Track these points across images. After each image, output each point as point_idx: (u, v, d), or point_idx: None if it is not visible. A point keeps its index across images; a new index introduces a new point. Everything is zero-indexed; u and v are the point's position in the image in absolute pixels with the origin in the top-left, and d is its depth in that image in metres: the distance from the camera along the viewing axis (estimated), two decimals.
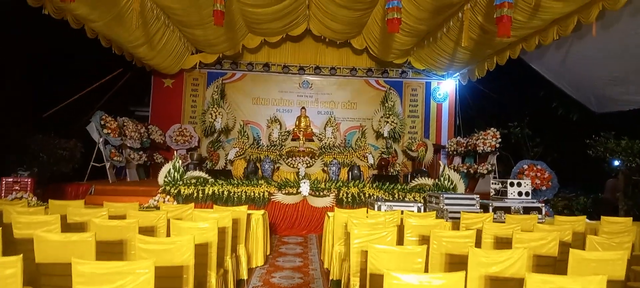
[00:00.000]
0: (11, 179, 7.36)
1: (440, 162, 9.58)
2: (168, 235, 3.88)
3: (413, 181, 9.01)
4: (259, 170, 10.38)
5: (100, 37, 9.58)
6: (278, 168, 10.82)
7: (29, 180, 7.40)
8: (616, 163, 10.58)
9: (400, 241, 4.06)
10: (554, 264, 3.61)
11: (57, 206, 4.87)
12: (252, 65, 13.74)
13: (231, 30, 11.20)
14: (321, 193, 8.64)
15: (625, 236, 4.06)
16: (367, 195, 8.51)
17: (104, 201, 5.21)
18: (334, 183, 8.84)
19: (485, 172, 10.45)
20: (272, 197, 8.57)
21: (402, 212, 5.06)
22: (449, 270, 3.45)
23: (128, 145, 10.75)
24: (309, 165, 10.84)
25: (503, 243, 3.97)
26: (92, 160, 9.84)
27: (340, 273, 4.63)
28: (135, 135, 11.02)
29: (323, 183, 8.88)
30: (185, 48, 12.13)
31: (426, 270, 3.14)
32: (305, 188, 8.50)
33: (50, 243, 2.97)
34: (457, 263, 3.46)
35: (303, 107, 13.09)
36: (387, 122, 13.06)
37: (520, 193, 6.71)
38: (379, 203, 5.99)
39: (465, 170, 11.21)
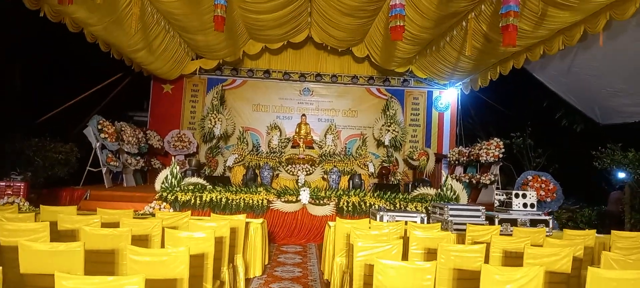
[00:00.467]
0: (3, 183, 7.18)
1: (443, 172, 9.40)
2: (163, 245, 3.71)
3: (415, 190, 8.84)
4: (258, 177, 10.21)
5: (99, 41, 9.47)
6: (277, 175, 10.65)
7: (22, 184, 7.22)
8: (621, 175, 10.44)
9: (405, 254, 3.89)
10: (567, 281, 3.45)
11: (48, 212, 4.70)
12: (253, 72, 13.62)
13: (232, 36, 11.09)
14: (321, 202, 8.47)
15: None
16: (368, 204, 8.34)
17: (99, 206, 5.05)
18: (334, 192, 8.67)
19: (488, 182, 10.29)
20: (271, 205, 8.40)
21: (405, 223, 4.90)
22: (458, 287, 3.28)
23: (125, 150, 10.59)
24: (308, 172, 10.67)
25: (512, 257, 3.80)
26: (89, 165, 9.66)
27: (341, 286, 4.46)
28: (133, 140, 10.86)
29: (323, 191, 8.71)
30: (186, 53, 12.01)
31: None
32: (305, 196, 8.33)
33: (36, 253, 2.80)
34: (466, 279, 3.29)
35: (303, 114, 12.95)
36: (389, 130, 12.93)
37: (525, 205, 6.54)
38: (381, 213, 5.82)
39: (467, 180, 11.05)
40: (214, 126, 12.51)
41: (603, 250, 3.83)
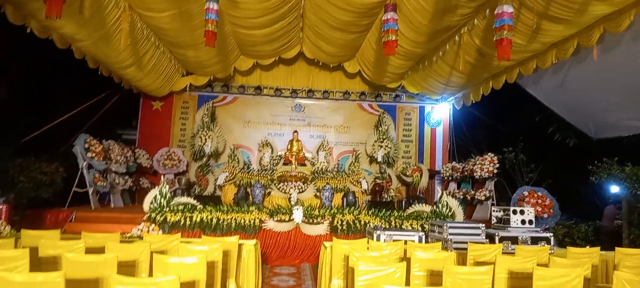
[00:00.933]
0: None
1: (438, 188, 9.26)
2: (151, 271, 3.49)
3: (410, 208, 8.68)
4: (250, 196, 9.98)
5: (87, 58, 9.26)
6: (269, 193, 10.43)
7: (4, 206, 6.93)
8: (614, 190, 10.39)
9: (407, 277, 3.71)
10: None
11: (29, 237, 4.44)
12: (244, 88, 13.47)
13: (223, 52, 10.95)
14: (315, 221, 8.26)
15: None
16: (362, 223, 8.15)
17: (85, 229, 4.83)
18: (328, 210, 8.48)
19: (483, 198, 10.18)
20: (263, 225, 8.17)
21: (405, 242, 4.73)
22: None
23: (113, 169, 10.32)
24: (301, 190, 10.47)
25: (519, 279, 3.65)
26: (75, 185, 9.37)
27: None
28: (121, 159, 10.60)
29: (317, 210, 8.51)
30: (176, 70, 11.83)
31: None
32: (298, 215, 8.12)
33: (13, 285, 2.58)
34: None
35: (295, 131, 12.79)
36: (381, 146, 12.80)
37: (523, 222, 6.41)
38: (378, 232, 5.64)
39: (461, 196, 10.92)
40: (204, 144, 12.30)
41: (611, 269, 3.69)
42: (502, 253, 4.54)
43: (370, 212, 8.37)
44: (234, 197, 9.99)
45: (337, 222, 8.15)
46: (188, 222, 7.91)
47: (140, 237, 5.58)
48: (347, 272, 4.37)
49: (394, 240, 5.43)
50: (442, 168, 12.82)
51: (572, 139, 11.61)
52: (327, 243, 5.33)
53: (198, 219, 7.96)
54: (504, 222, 6.52)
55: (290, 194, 10.13)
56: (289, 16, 9.83)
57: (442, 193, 8.45)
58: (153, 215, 7.86)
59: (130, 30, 8.26)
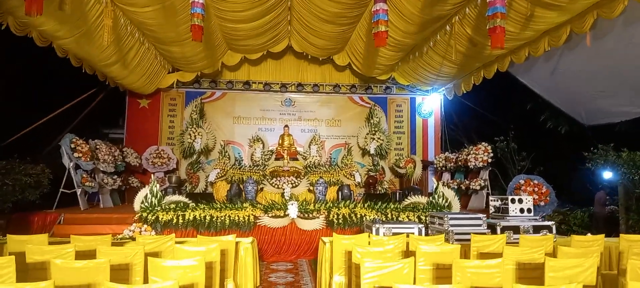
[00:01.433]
0: None
1: (434, 179, 9.17)
2: (145, 275, 3.32)
3: (406, 199, 8.58)
4: (242, 192, 9.80)
5: (70, 56, 8.97)
6: (262, 189, 10.26)
7: None
8: (607, 175, 10.42)
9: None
10: None
11: (15, 242, 4.23)
12: (232, 84, 13.27)
13: (210, 47, 10.73)
14: (310, 215, 8.13)
15: None
16: (358, 216, 8.04)
17: (74, 230, 4.63)
18: (323, 204, 8.34)
19: (478, 188, 10.13)
20: (258, 221, 8.02)
21: (407, 235, 4.61)
22: None
23: (101, 169, 10.05)
24: (294, 185, 10.30)
25: (528, 270, 3.55)
26: (62, 187, 9.11)
27: None
28: (109, 159, 10.33)
29: (312, 204, 8.37)
30: (162, 66, 11.57)
31: None
32: (293, 210, 7.98)
33: None
34: None
35: (286, 125, 12.62)
36: (373, 138, 12.71)
37: (522, 210, 6.33)
38: (377, 225, 5.52)
39: (456, 187, 10.86)
40: (193, 141, 12.09)
41: (615, 256, 3.61)
42: (507, 243, 4.45)
43: (366, 205, 8.26)
44: (227, 194, 9.80)
45: (333, 216, 8.03)
46: (181, 221, 7.72)
47: (133, 238, 5.39)
48: (349, 268, 4.25)
49: (393, 234, 5.32)
50: (435, 158, 12.76)
51: (564, 126, 11.60)
52: (325, 239, 5.20)
53: (191, 217, 7.77)
54: (503, 211, 6.44)
55: (284, 189, 9.97)
56: (277, 9, 9.65)
57: (438, 184, 8.37)
58: (144, 214, 7.65)
59: (113, 27, 8.01)
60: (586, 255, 3.52)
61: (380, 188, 12.03)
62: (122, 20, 8.64)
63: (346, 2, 8.82)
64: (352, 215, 8.06)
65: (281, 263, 7.59)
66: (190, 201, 8.23)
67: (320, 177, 10.52)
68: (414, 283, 3.34)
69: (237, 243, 4.83)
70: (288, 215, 8.00)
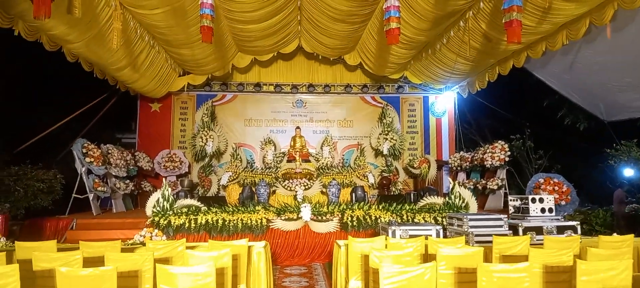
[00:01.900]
0: None
1: (449, 179, 8.96)
2: (155, 284, 3.19)
3: (421, 200, 8.39)
4: (255, 195, 9.69)
5: (81, 60, 8.97)
6: (274, 191, 10.15)
7: (0, 217, 6.63)
8: (629, 173, 10.12)
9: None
10: None
11: (24, 249, 4.15)
12: (243, 86, 13.19)
13: (220, 49, 10.65)
14: (324, 218, 7.98)
15: None
16: (373, 218, 7.87)
17: (87, 236, 4.54)
18: (337, 206, 8.18)
19: (495, 187, 9.89)
20: (271, 224, 7.89)
21: (426, 238, 4.44)
22: None
23: (113, 174, 10.01)
24: (306, 187, 10.18)
25: (555, 273, 3.36)
26: (74, 192, 9.09)
27: None
28: (121, 163, 10.30)
29: (325, 206, 8.22)
30: (172, 69, 11.52)
31: None
32: (306, 212, 7.84)
33: None
34: None
35: (298, 127, 12.49)
36: (386, 139, 12.52)
37: (543, 210, 6.11)
38: (394, 227, 5.35)
39: (472, 186, 10.62)
40: (205, 144, 12.02)
41: None
42: (531, 245, 4.25)
43: (380, 207, 8.08)
44: (239, 197, 9.71)
45: (347, 218, 7.87)
46: (193, 225, 7.63)
47: (143, 244, 5.29)
48: (366, 272, 4.08)
49: (410, 236, 5.15)
50: (450, 158, 12.52)
51: (583, 123, 11.29)
52: (340, 242, 5.05)
53: (203, 221, 7.68)
54: (523, 211, 6.23)
55: (296, 191, 9.86)
56: (286, 9, 9.52)
57: (454, 184, 8.15)
58: (156, 219, 7.57)
59: (123, 30, 7.94)
60: (618, 257, 3.32)
61: (394, 189, 11.84)
62: (131, 23, 8.60)
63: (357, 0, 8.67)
64: (367, 217, 7.89)
65: (295, 267, 7.45)
66: (202, 205, 8.13)
67: (333, 179, 10.38)
68: None
69: (249, 247, 4.70)
70: (301, 217, 7.86)
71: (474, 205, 8.00)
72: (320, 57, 12.46)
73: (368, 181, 11.05)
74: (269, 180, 10.38)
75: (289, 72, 13.49)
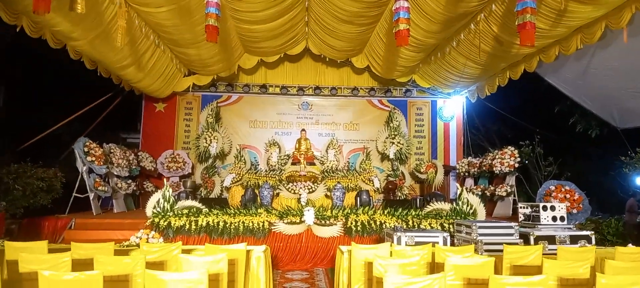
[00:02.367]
0: None
1: (457, 185, 8.73)
2: None
3: (428, 206, 8.17)
4: (258, 198, 9.52)
5: (84, 58, 8.85)
6: (278, 194, 9.98)
7: None
8: None
9: None
10: None
11: (12, 249, 3.99)
12: (249, 87, 13.07)
13: (226, 50, 10.52)
14: (327, 222, 7.79)
15: None
16: (378, 223, 7.67)
17: (85, 236, 4.38)
18: (341, 211, 7.99)
19: (504, 194, 9.65)
20: (272, 228, 7.71)
21: (433, 245, 4.23)
22: None
23: (115, 173, 9.88)
24: (311, 190, 10.01)
25: (571, 286, 3.14)
26: (75, 191, 8.96)
27: None
28: (123, 163, 10.16)
29: (329, 210, 8.03)
30: (177, 69, 11.41)
31: None
32: (309, 216, 7.65)
33: None
34: None
35: (303, 129, 12.33)
36: (393, 142, 12.31)
37: (554, 218, 5.90)
38: (399, 234, 5.15)
39: (480, 193, 10.38)
40: (209, 145, 11.89)
41: None
42: (543, 254, 4.04)
43: (385, 212, 7.88)
44: (242, 199, 9.54)
45: (351, 223, 7.68)
46: (193, 227, 7.47)
47: (139, 246, 5.13)
48: (369, 280, 3.89)
49: (416, 243, 4.94)
50: (458, 163, 12.28)
51: (595, 130, 11.02)
52: (343, 248, 4.85)
53: (204, 223, 7.52)
54: (533, 219, 6.02)
55: (300, 195, 9.68)
56: (294, 9, 9.38)
57: (462, 190, 7.93)
58: (156, 220, 7.42)
59: (127, 28, 7.82)
60: (638, 269, 3.10)
61: (400, 194, 11.61)
62: (136, 21, 8.48)
63: (366, 1, 8.49)
64: (371, 222, 7.69)
65: (296, 272, 7.25)
66: (203, 206, 7.97)
67: (338, 182, 10.19)
68: None
69: (248, 252, 4.52)
70: (304, 221, 7.67)
71: (482, 212, 7.78)
72: (327, 60, 12.34)
73: (374, 185, 10.84)
74: (273, 182, 10.21)
75: (295, 74, 13.35)
